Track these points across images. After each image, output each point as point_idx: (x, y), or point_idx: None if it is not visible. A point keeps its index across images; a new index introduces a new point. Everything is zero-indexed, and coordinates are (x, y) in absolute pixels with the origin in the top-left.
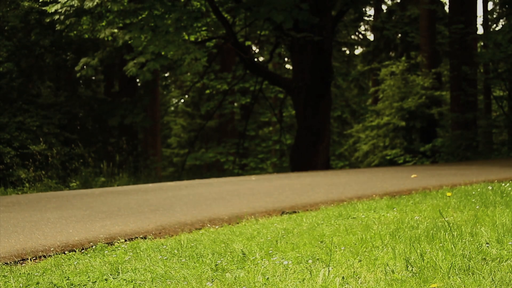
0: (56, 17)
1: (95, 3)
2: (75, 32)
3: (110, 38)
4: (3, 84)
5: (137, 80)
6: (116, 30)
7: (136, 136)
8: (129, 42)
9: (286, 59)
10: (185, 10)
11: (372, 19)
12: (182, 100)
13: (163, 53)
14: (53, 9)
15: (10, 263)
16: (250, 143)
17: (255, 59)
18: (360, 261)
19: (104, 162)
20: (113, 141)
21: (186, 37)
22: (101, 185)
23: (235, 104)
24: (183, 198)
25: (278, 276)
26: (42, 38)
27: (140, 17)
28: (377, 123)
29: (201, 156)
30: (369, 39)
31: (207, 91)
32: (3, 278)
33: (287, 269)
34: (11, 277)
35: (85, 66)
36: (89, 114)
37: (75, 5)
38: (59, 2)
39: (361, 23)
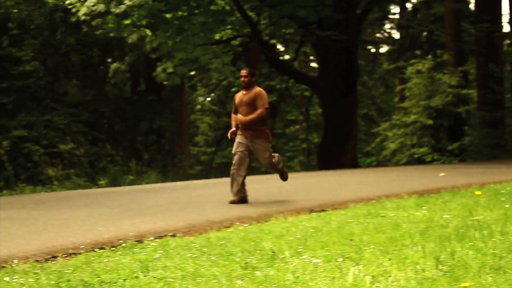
0: (82, 18)
1: (122, 9)
2: (100, 30)
3: (134, 40)
4: (30, 83)
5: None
6: (143, 33)
7: (163, 134)
8: (155, 46)
9: (311, 57)
10: (210, 11)
11: (397, 17)
12: (209, 99)
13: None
14: (80, 14)
15: (41, 260)
16: (277, 141)
17: (280, 58)
18: (390, 259)
19: (133, 160)
20: (141, 139)
21: (210, 36)
22: (129, 183)
23: None
24: (212, 196)
25: (307, 274)
26: (68, 36)
27: (165, 16)
28: (404, 121)
29: (229, 154)
30: (394, 38)
31: (233, 89)
32: (34, 275)
33: (316, 267)
34: (42, 275)
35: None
36: (116, 113)
37: (102, 10)
38: (85, 5)
39: (386, 22)
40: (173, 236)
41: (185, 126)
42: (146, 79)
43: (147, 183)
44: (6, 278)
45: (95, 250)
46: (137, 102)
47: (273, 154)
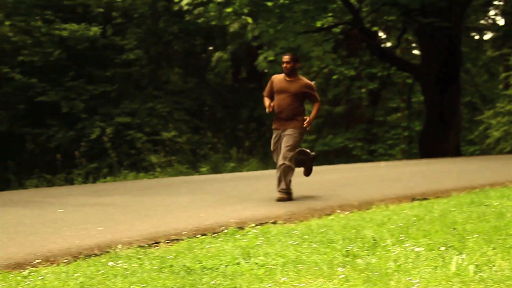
0: (185, 7)
1: None
2: (202, 19)
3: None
4: (133, 71)
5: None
6: (245, 21)
7: (264, 122)
8: (256, 34)
9: (413, 44)
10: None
11: (502, 4)
12: None
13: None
14: (183, 3)
15: (144, 246)
16: (379, 129)
17: (382, 45)
18: (494, 249)
19: (234, 147)
20: (241, 127)
21: (312, 23)
22: (230, 170)
23: (363, 90)
24: (312, 184)
25: (409, 263)
26: (171, 25)
27: (267, 4)
28: (509, 109)
29: (329, 142)
30: (498, 24)
31: (334, 77)
32: (137, 260)
33: (419, 256)
34: (145, 260)
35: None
36: (218, 101)
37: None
38: None
39: (491, 8)
40: (274, 223)
41: None
42: (248, 67)
43: (248, 170)
44: (111, 263)
45: (197, 236)
46: (238, 90)
47: (306, 150)
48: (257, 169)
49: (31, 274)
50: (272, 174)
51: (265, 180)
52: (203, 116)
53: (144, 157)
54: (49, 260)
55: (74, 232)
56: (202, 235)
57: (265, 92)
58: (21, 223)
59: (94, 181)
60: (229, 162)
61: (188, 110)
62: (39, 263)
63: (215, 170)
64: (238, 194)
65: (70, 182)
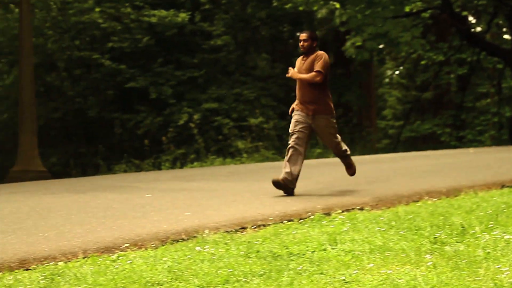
0: None
1: None
2: (290, 4)
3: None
4: (221, 57)
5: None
6: (333, 7)
7: (351, 108)
8: (344, 20)
9: (504, 29)
10: None
11: None
12: (397, 72)
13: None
14: None
15: (231, 231)
16: (467, 115)
17: (472, 30)
18: None
19: None
20: None
21: (400, 9)
22: (317, 156)
23: (451, 75)
24: (399, 170)
25: (499, 250)
26: (258, 10)
27: None
28: None
29: (417, 128)
30: None
31: (423, 62)
32: (224, 245)
33: (508, 243)
34: (232, 245)
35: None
36: None
37: None
38: None
39: None
40: (361, 209)
41: (373, 99)
42: (335, 53)
43: (334, 156)
44: (198, 248)
45: (284, 222)
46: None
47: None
48: None
49: (119, 258)
50: (358, 160)
51: None
52: (290, 102)
53: (231, 142)
54: (137, 244)
55: (161, 217)
56: (289, 220)
57: None
58: (109, 208)
59: (181, 167)
60: (316, 148)
61: (275, 95)
62: (127, 247)
63: None
64: (325, 180)
65: (157, 167)
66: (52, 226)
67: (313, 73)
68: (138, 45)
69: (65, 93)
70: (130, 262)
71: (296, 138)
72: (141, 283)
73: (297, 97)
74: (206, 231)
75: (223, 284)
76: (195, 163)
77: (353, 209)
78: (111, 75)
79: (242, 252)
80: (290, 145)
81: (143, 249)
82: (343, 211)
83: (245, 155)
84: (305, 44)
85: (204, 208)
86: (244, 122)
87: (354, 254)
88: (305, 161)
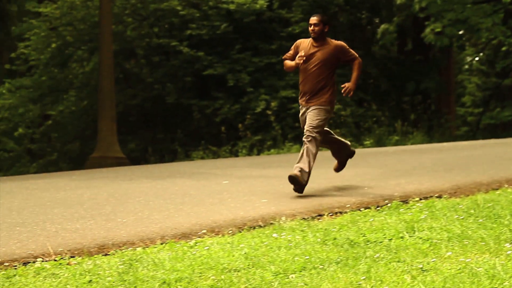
0: None
1: None
2: None
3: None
4: None
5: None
6: None
7: (429, 94)
8: (423, 5)
9: None
10: None
11: None
12: (477, 58)
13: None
14: None
15: (308, 218)
16: None
17: None
18: None
19: (398, 121)
20: (407, 99)
21: None
22: (394, 143)
23: None
24: (479, 157)
25: None
26: None
27: None
28: None
29: (497, 115)
30: None
31: (503, 48)
32: (301, 232)
33: None
34: (309, 232)
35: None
36: (383, 74)
37: None
38: None
39: None
40: (439, 197)
41: (452, 86)
42: (414, 39)
43: (412, 143)
44: (275, 235)
45: (361, 209)
46: (404, 62)
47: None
48: (421, 143)
49: (197, 244)
50: (436, 148)
51: (430, 154)
52: (368, 88)
53: None
54: (214, 230)
55: (238, 203)
56: (366, 208)
57: (287, 57)
58: (187, 194)
59: (258, 154)
60: (393, 135)
61: None
62: (204, 233)
63: (379, 143)
64: (402, 168)
65: (234, 154)
66: (130, 212)
67: (357, 61)
68: (216, 32)
69: (144, 80)
70: (207, 248)
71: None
72: (218, 269)
73: (300, 90)
74: (283, 218)
75: (300, 271)
76: (272, 150)
77: (431, 196)
78: (189, 62)
79: (319, 239)
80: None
81: (220, 236)
82: (421, 199)
83: None
84: (316, 28)
85: (281, 195)
86: None
87: (432, 242)
88: (382, 149)
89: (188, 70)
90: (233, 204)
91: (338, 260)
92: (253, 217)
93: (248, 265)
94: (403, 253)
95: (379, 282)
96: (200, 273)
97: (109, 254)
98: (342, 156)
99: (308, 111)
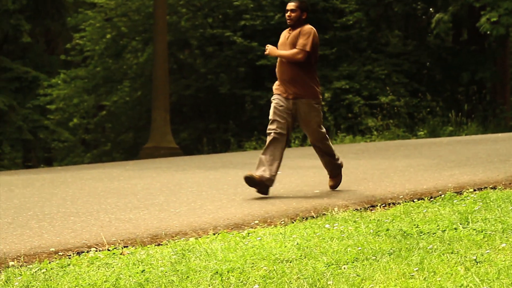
0: None
1: None
2: None
3: None
4: (353, 34)
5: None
6: None
7: (484, 85)
8: None
9: None
10: None
11: None
12: None
13: None
14: None
15: (360, 209)
16: None
17: None
18: None
19: (452, 111)
20: (461, 90)
21: None
22: (448, 134)
23: None
24: None
25: None
26: None
27: None
28: None
29: None
30: None
31: None
32: (353, 223)
33: None
34: (362, 223)
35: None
36: (437, 64)
37: None
38: None
39: None
40: (494, 188)
41: (508, 76)
42: (469, 29)
43: (466, 134)
44: (327, 226)
45: (414, 200)
46: (459, 52)
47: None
48: (476, 133)
49: (249, 234)
50: (491, 138)
51: (485, 144)
52: (422, 79)
53: (361, 120)
54: (267, 221)
55: (291, 194)
56: (419, 199)
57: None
58: (239, 185)
59: (310, 144)
60: (448, 126)
61: (407, 72)
62: (256, 224)
63: (433, 134)
64: (456, 159)
65: (287, 145)
66: (183, 202)
67: (295, 50)
68: (270, 23)
69: (197, 70)
70: (260, 239)
71: (276, 127)
72: (270, 259)
73: (277, 76)
74: (336, 209)
75: (352, 262)
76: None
77: (485, 188)
78: (243, 52)
79: (372, 230)
80: (269, 135)
81: (272, 226)
82: (475, 190)
83: (375, 133)
84: (293, 15)
85: None
86: (375, 100)
87: (486, 233)
88: (436, 140)
89: (241, 61)
90: (285, 195)
91: (391, 251)
92: (305, 207)
93: (300, 256)
94: (456, 244)
95: (432, 274)
96: (252, 263)
97: (162, 244)
98: (334, 169)
99: (299, 109)
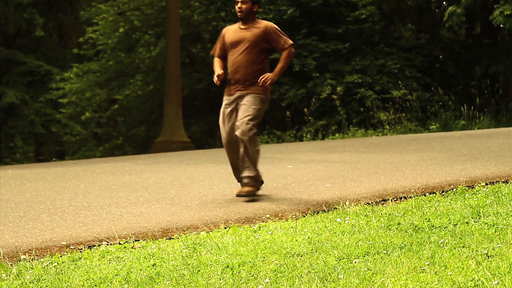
0: None
1: None
2: None
3: None
4: (365, 27)
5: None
6: None
7: (497, 78)
8: None
9: None
10: None
11: None
12: None
13: None
14: None
15: (372, 203)
16: None
17: None
18: None
19: (465, 105)
20: (474, 84)
21: None
22: (461, 128)
23: None
24: None
25: None
26: None
27: None
28: None
29: None
30: None
31: None
32: (365, 217)
33: None
34: (373, 217)
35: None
36: (450, 58)
37: None
38: None
39: None
40: (506, 182)
41: None
42: (482, 22)
43: (479, 128)
44: (338, 220)
45: (426, 194)
46: (472, 46)
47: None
48: (488, 127)
49: (260, 228)
50: (504, 132)
51: (497, 138)
52: (435, 72)
53: (373, 114)
54: (278, 215)
55: (302, 188)
56: (431, 193)
57: (215, 51)
58: None
59: (322, 138)
60: (460, 120)
61: (420, 67)
62: (268, 218)
63: (445, 127)
64: (468, 152)
65: (299, 139)
66: (194, 196)
67: (286, 51)
68: (283, 17)
69: (210, 64)
70: (271, 233)
71: (228, 139)
72: (281, 253)
73: (231, 78)
74: (347, 203)
75: (363, 256)
76: (337, 135)
77: (497, 182)
78: None
79: (383, 224)
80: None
81: (283, 220)
82: (487, 184)
83: (387, 126)
84: (244, 6)
85: (345, 179)
86: (387, 94)
87: (497, 227)
88: (448, 134)
89: None
90: (297, 189)
91: (402, 245)
92: (316, 201)
93: (311, 250)
94: (468, 238)
95: (443, 268)
96: (263, 257)
97: (173, 238)
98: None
99: (240, 101)
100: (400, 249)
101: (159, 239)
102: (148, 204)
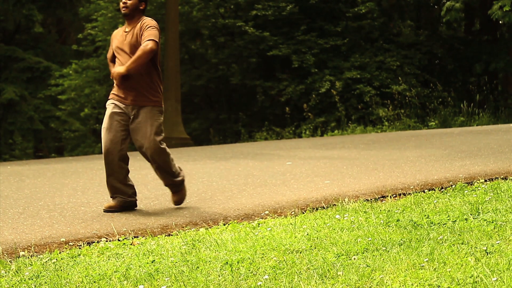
0: None
1: None
2: None
3: None
4: (364, 24)
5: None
6: None
7: (496, 75)
8: None
9: None
10: None
11: None
12: None
13: None
14: None
15: (371, 199)
16: None
17: None
18: None
19: (464, 101)
20: (473, 80)
21: None
22: (460, 124)
23: None
24: None
25: None
26: None
27: None
28: None
29: None
30: None
31: None
32: (364, 214)
33: None
34: (372, 213)
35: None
36: (449, 54)
37: None
38: None
39: None
40: (505, 178)
41: None
42: (481, 19)
43: (478, 124)
44: (337, 216)
45: (425, 191)
46: (471, 42)
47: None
48: (487, 124)
49: (259, 225)
50: (503, 129)
51: (496, 135)
52: (434, 69)
53: (372, 110)
54: (277, 211)
55: (301, 184)
56: (430, 189)
57: (108, 55)
58: (250, 175)
59: (321, 135)
60: (459, 116)
61: (419, 63)
62: (267, 214)
63: (444, 124)
64: (467, 149)
65: (298, 135)
66: (193, 192)
67: (143, 47)
68: (282, 13)
69: (209, 60)
70: (270, 230)
71: (109, 144)
72: (280, 250)
73: (119, 86)
74: (346, 199)
75: (362, 253)
76: (336, 131)
77: (496, 178)
78: (255, 42)
79: (382, 221)
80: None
81: (282, 217)
82: (486, 180)
83: (386, 123)
84: (129, 2)
85: (344, 176)
86: (387, 89)
87: (497, 224)
88: (447, 130)
89: (253, 51)
90: (296, 185)
91: (401, 242)
92: (316, 198)
93: (311, 247)
94: (467, 235)
95: (442, 264)
96: (262, 254)
97: (172, 235)
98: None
99: (136, 115)
100: (399, 245)
101: (158, 236)
102: (147, 200)
